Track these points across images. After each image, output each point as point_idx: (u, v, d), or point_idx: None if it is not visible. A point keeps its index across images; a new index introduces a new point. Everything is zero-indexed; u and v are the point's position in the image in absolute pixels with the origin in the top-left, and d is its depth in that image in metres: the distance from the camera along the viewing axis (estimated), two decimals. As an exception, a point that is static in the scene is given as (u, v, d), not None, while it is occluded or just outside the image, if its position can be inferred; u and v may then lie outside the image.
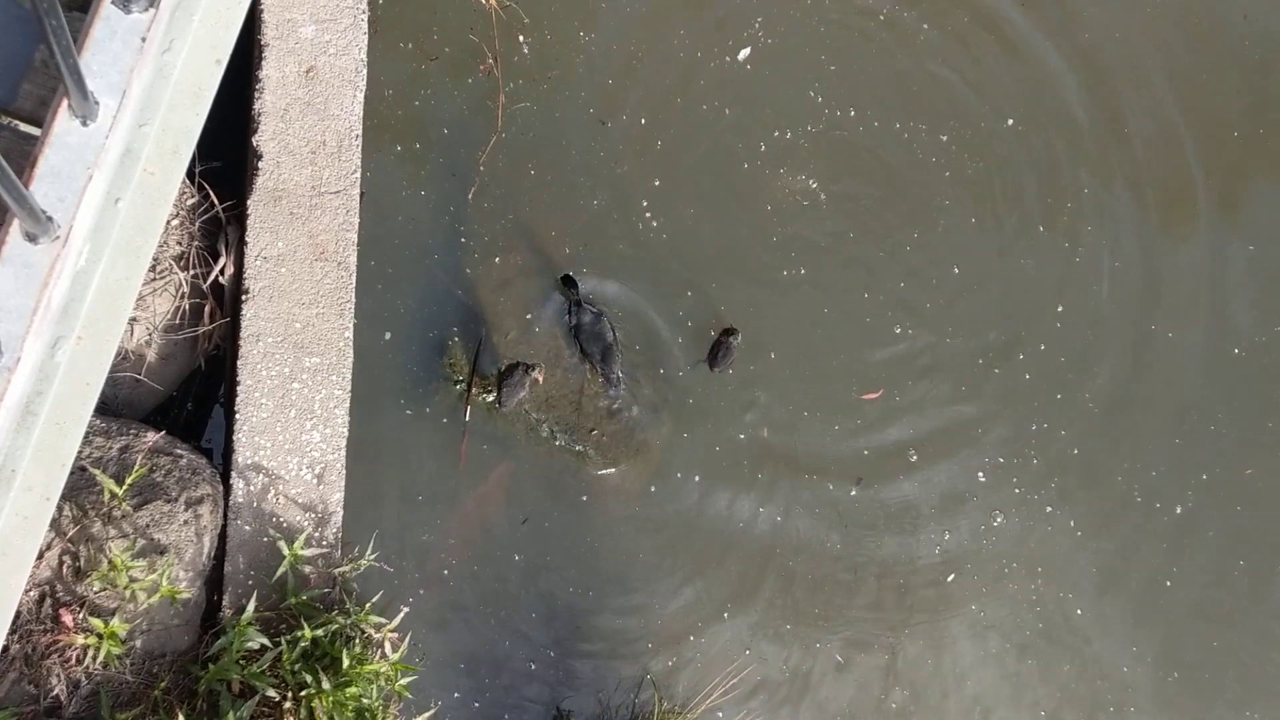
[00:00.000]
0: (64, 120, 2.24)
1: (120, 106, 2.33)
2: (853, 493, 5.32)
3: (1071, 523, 5.53)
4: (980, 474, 5.47)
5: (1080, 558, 5.53)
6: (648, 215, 5.21)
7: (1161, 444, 5.67)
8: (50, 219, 2.22)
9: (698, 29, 5.36)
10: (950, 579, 5.39)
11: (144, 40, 2.36)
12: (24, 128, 2.52)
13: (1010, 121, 5.65)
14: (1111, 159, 5.75)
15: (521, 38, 5.14)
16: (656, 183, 5.24)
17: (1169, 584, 5.60)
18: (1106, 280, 5.69)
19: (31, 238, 2.21)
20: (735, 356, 5.15)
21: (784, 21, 5.45)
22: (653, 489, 5.14)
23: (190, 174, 4.49)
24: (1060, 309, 5.62)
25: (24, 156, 2.29)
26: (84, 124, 2.27)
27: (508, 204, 5.11)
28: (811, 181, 5.40)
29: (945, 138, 5.56)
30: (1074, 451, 5.56)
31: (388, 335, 4.95)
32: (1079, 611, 5.51)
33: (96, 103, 2.28)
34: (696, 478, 5.18)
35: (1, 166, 1.81)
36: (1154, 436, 5.67)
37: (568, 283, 5.03)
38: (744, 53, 5.36)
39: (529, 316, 5.08)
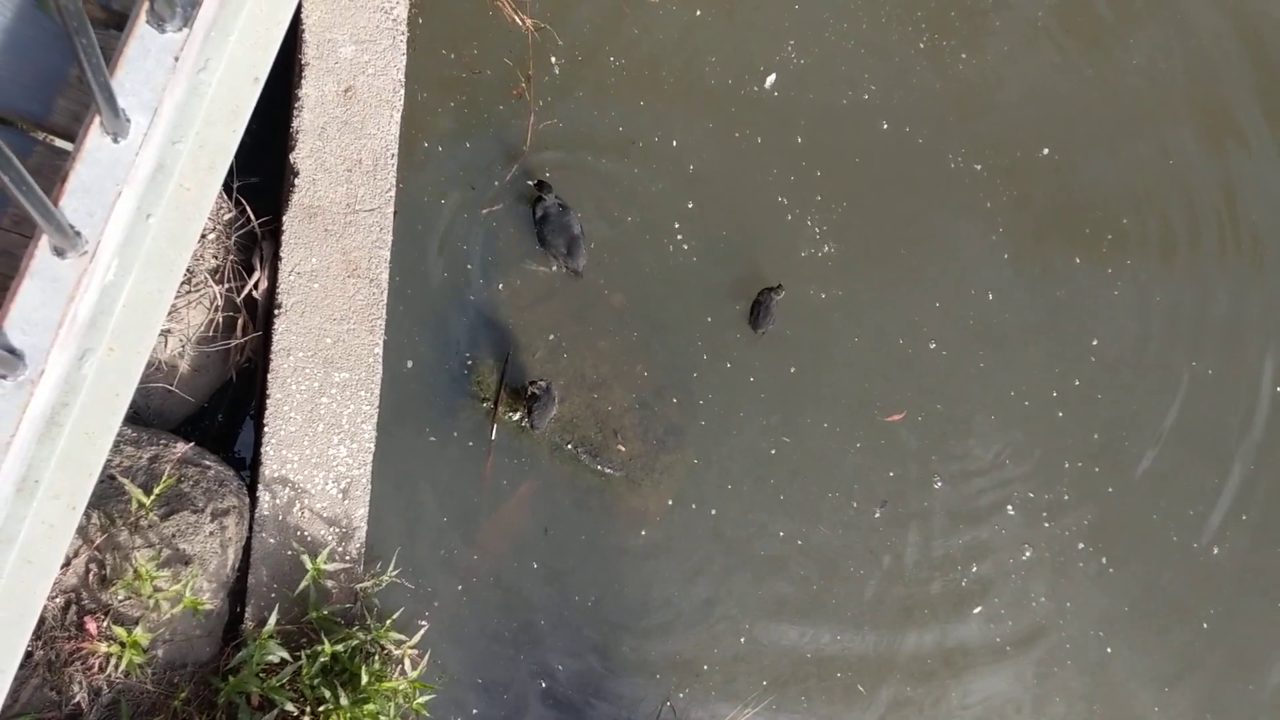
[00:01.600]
0: (95, 137, 2.27)
1: (151, 124, 2.36)
2: (876, 514, 5.28)
3: (1104, 559, 5.45)
4: (1009, 507, 5.41)
5: (1110, 596, 5.45)
6: (680, 239, 5.22)
7: (1202, 483, 5.58)
8: (78, 234, 2.25)
9: (728, 54, 5.37)
10: (977, 611, 5.33)
11: (177, 59, 2.39)
12: (58, 143, 2.56)
13: (1046, 150, 5.60)
14: (1161, 199, 5.70)
15: (554, 58, 5.17)
16: (690, 205, 5.24)
17: (1205, 626, 5.50)
18: (1145, 317, 5.63)
19: (59, 252, 2.24)
20: (775, 314, 5.14)
21: (815, 46, 5.45)
22: (674, 510, 5.12)
23: (228, 189, 4.56)
24: (1095, 343, 5.56)
25: (57, 172, 2.33)
26: (115, 140, 2.30)
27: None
28: (832, 209, 5.38)
29: (980, 166, 5.53)
30: (1108, 490, 5.49)
31: (409, 364, 4.97)
32: (1109, 650, 5.43)
33: (128, 120, 2.31)
34: (717, 496, 5.16)
35: (28, 181, 1.84)
36: (1194, 476, 5.58)
37: (541, 186, 5.02)
38: (770, 79, 5.37)
39: (551, 338, 5.09)
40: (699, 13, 5.32)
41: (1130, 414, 5.55)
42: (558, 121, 5.15)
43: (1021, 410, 5.46)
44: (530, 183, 5.08)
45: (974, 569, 5.34)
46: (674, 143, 5.26)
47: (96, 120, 2.27)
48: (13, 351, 2.22)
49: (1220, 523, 5.56)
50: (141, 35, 2.34)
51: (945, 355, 5.41)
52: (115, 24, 2.50)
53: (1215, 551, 5.55)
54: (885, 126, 5.45)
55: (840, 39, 5.46)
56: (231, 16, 2.65)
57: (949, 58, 5.55)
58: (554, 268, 5.10)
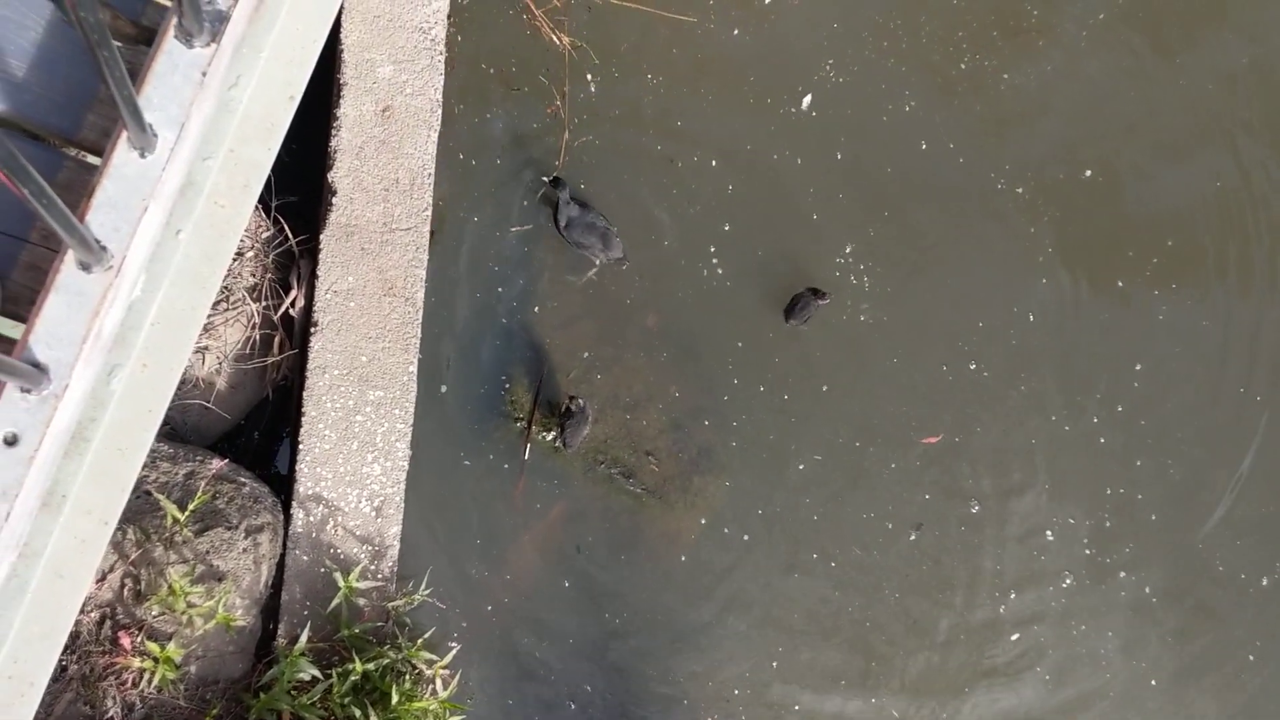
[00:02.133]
0: (122, 152, 2.28)
1: (179, 140, 2.37)
2: (912, 538, 5.19)
3: (1147, 589, 5.32)
4: (1048, 533, 5.30)
5: (1155, 627, 5.32)
6: (714, 262, 5.18)
7: (1249, 512, 5.44)
8: (104, 249, 2.25)
9: (767, 74, 5.33)
10: (1014, 638, 5.23)
11: (204, 75, 2.40)
12: (89, 159, 2.58)
13: (1089, 172, 5.51)
14: (1207, 222, 5.58)
15: (590, 75, 5.16)
16: (726, 227, 5.21)
17: (1251, 658, 5.35)
18: (1192, 342, 5.51)
19: (85, 266, 2.25)
20: (812, 315, 5.09)
21: (851, 68, 5.41)
22: (707, 532, 5.07)
23: (266, 207, 4.59)
24: (1139, 368, 5.44)
25: (86, 187, 2.34)
26: (141, 156, 2.31)
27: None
28: (871, 230, 5.32)
29: (1021, 188, 5.44)
30: (1151, 517, 5.36)
31: (443, 384, 4.97)
32: (1153, 682, 5.29)
33: (155, 135, 2.32)
34: (749, 518, 5.10)
35: (49, 195, 1.85)
36: (1242, 504, 5.44)
37: (556, 184, 4.93)
38: (806, 100, 5.32)
39: (586, 355, 5.06)
40: (736, 32, 5.30)
41: (1174, 441, 5.42)
42: (594, 139, 5.14)
43: (1062, 435, 5.36)
44: (545, 179, 5.06)
45: (1011, 595, 5.24)
46: (713, 163, 5.23)
47: (123, 135, 2.28)
48: (37, 366, 2.23)
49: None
50: (169, 50, 2.35)
51: (986, 376, 5.32)
52: (145, 40, 2.52)
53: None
54: (924, 146, 5.38)
55: (880, 57, 5.40)
56: (263, 33, 2.65)
57: (990, 78, 5.48)
58: (597, 262, 5.07)
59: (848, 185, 5.31)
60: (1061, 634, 5.26)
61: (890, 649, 5.16)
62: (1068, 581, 5.27)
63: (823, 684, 5.09)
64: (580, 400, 4.84)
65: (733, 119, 5.27)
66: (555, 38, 5.07)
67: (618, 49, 5.21)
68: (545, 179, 5.06)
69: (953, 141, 5.41)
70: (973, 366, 5.33)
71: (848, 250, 5.28)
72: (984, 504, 5.27)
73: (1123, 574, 5.31)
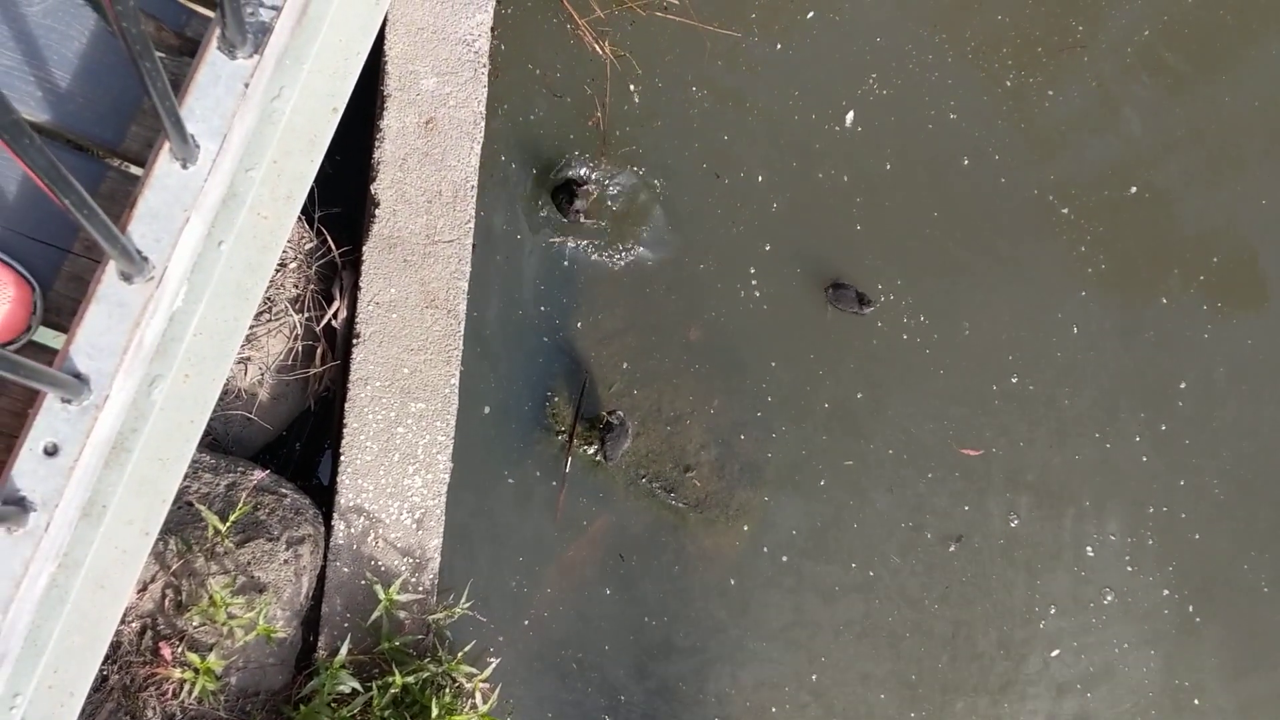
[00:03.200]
0: (164, 163, 2.28)
1: (221, 150, 2.37)
2: (951, 549, 5.11)
3: (1190, 608, 5.20)
4: (1089, 549, 5.20)
5: (1199, 646, 5.20)
6: (753, 285, 5.14)
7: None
8: (145, 259, 2.25)
9: (811, 88, 5.29)
10: (1054, 654, 5.13)
11: (247, 85, 2.40)
12: (132, 169, 2.58)
13: (1134, 189, 5.41)
14: (1253, 240, 5.46)
15: (633, 86, 5.14)
16: (767, 247, 5.16)
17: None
18: (1237, 362, 5.39)
19: (126, 277, 2.25)
20: (852, 311, 5.08)
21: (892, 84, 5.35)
22: (748, 547, 5.02)
23: (309, 219, 4.60)
24: (1183, 386, 5.33)
25: (128, 197, 2.34)
26: (183, 167, 2.30)
27: (614, 251, 5.09)
28: (914, 243, 5.25)
29: (1067, 208, 5.36)
30: (1195, 536, 5.25)
31: (484, 397, 4.95)
32: (1196, 702, 5.17)
33: (197, 146, 2.31)
34: (789, 532, 5.04)
35: (90, 205, 1.84)
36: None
37: (572, 186, 4.94)
38: (849, 116, 5.27)
39: (625, 367, 5.03)
40: (779, 46, 5.25)
41: (1218, 460, 5.30)
42: (637, 148, 5.11)
43: (1104, 452, 5.25)
44: (558, 182, 5.04)
45: (1052, 610, 5.15)
46: (759, 178, 5.19)
47: (166, 146, 2.28)
48: (78, 376, 2.23)
49: None
50: (212, 61, 2.35)
51: (1031, 391, 5.23)
52: (188, 51, 2.53)
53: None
54: (967, 162, 5.31)
55: (924, 71, 5.34)
56: (306, 45, 2.65)
57: (1035, 94, 5.40)
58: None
59: (892, 200, 5.25)
60: (1103, 651, 5.16)
61: (931, 661, 5.08)
62: (1109, 599, 5.17)
63: (862, 697, 5.01)
64: (620, 413, 4.80)
65: (779, 135, 5.23)
66: (598, 48, 5.06)
67: (662, 60, 5.19)
68: (560, 181, 5.04)
69: (998, 155, 5.34)
70: (1015, 380, 5.24)
71: (892, 265, 5.21)
72: (1024, 518, 5.18)
73: (1165, 592, 5.20)
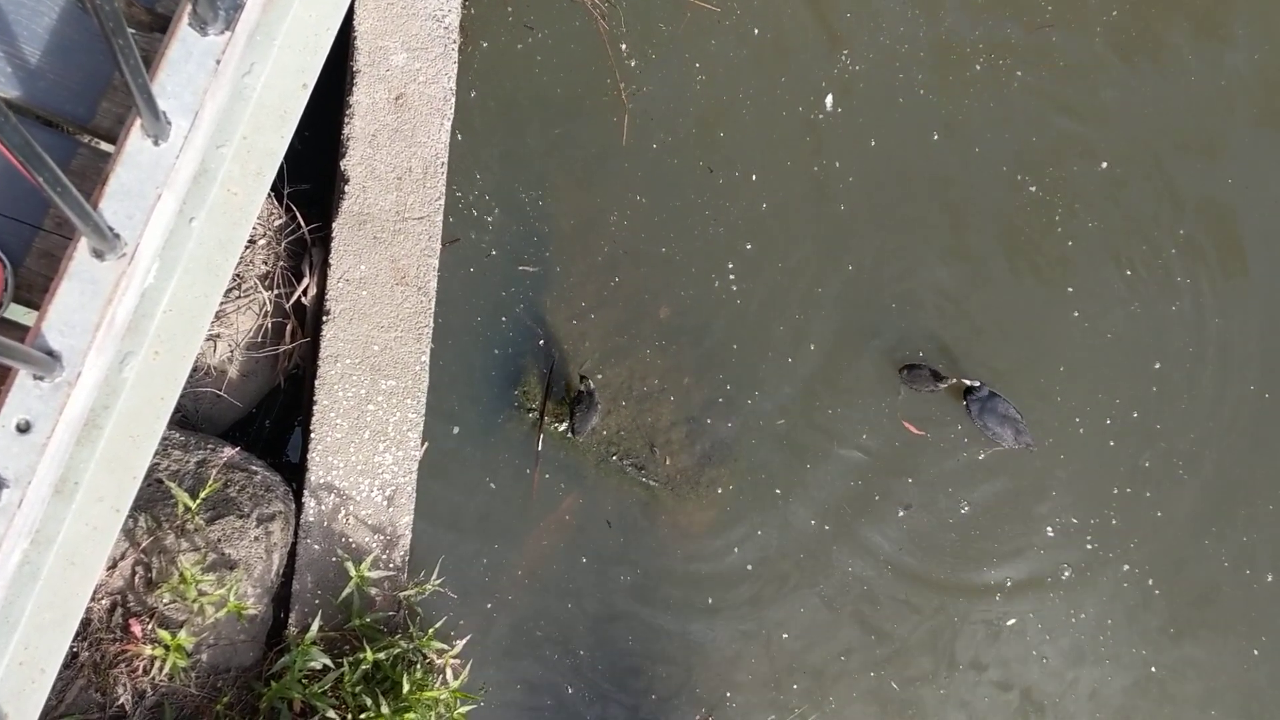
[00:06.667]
0: (135, 140, 2.27)
1: (192, 127, 2.36)
2: (900, 514, 5.18)
3: (1150, 581, 5.31)
4: (1049, 529, 5.29)
5: (1156, 618, 5.32)
6: (731, 278, 5.17)
7: (1256, 510, 5.42)
8: (117, 236, 2.24)
9: (789, 77, 5.32)
10: (1011, 623, 5.23)
11: (219, 62, 2.39)
12: (104, 146, 2.57)
13: (1104, 164, 5.48)
14: (1221, 214, 5.55)
15: (634, 62, 5.15)
16: (748, 246, 5.19)
17: (1256, 653, 5.34)
18: (1204, 338, 5.48)
19: (98, 254, 2.24)
20: (929, 389, 5.17)
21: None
22: (719, 522, 5.07)
23: (279, 195, 4.58)
24: (1158, 366, 5.42)
25: (100, 174, 2.33)
26: (155, 143, 2.30)
27: (592, 235, 5.11)
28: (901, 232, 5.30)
29: (1035, 186, 5.42)
30: (1158, 514, 5.35)
31: (455, 372, 4.96)
32: (1153, 670, 5.29)
33: (168, 123, 2.31)
34: (761, 506, 5.09)
35: (63, 182, 1.84)
36: (1247, 502, 5.43)
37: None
38: (828, 100, 5.31)
39: (596, 350, 5.05)
40: (757, 31, 5.28)
41: (1186, 440, 5.40)
42: (637, 141, 5.14)
43: (1077, 437, 5.35)
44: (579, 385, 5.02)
45: (1008, 584, 5.24)
46: (753, 177, 5.23)
47: (137, 123, 2.27)
48: (50, 353, 2.23)
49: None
50: (183, 38, 2.33)
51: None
52: (160, 27, 2.51)
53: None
54: (937, 137, 5.36)
55: (898, 61, 5.38)
56: (276, 21, 2.64)
57: (1005, 76, 5.45)
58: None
59: (877, 183, 5.30)
60: (1060, 620, 5.26)
61: (890, 627, 5.15)
62: (1066, 574, 5.27)
63: (826, 667, 5.08)
64: (590, 382, 4.83)
65: (767, 128, 5.26)
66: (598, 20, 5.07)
67: (657, 29, 5.21)
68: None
69: (977, 147, 5.40)
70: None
71: (877, 242, 5.27)
72: (974, 500, 5.27)
73: (1126, 567, 5.30)
